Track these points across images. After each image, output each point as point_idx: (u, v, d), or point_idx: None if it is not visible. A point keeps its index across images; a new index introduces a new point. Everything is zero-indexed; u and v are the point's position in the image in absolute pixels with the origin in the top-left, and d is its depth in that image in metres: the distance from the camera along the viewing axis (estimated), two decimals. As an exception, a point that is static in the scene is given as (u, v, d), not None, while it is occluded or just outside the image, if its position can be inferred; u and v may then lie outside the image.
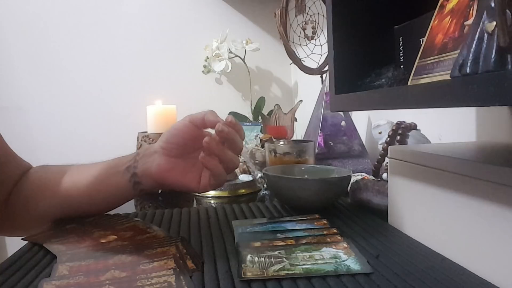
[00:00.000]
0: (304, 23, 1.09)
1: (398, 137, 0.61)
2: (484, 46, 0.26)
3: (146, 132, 0.93)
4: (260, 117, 1.28)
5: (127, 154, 0.53)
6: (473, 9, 0.32)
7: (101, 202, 0.52)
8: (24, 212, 0.54)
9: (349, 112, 0.92)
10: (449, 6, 0.37)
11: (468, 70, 0.27)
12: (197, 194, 0.74)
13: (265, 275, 0.34)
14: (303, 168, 0.67)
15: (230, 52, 1.45)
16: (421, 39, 0.44)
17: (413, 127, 0.63)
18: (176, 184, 0.48)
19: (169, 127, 0.49)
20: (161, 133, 0.49)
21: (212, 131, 0.47)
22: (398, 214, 0.47)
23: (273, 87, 1.64)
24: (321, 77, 1.04)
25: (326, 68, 1.02)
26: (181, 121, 0.48)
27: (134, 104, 1.45)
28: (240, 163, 0.83)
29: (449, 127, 0.68)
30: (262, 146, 0.91)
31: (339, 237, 0.43)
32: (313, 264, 0.36)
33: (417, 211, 0.43)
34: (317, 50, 1.10)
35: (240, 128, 0.47)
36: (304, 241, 0.42)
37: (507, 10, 0.23)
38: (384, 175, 0.63)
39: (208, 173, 0.47)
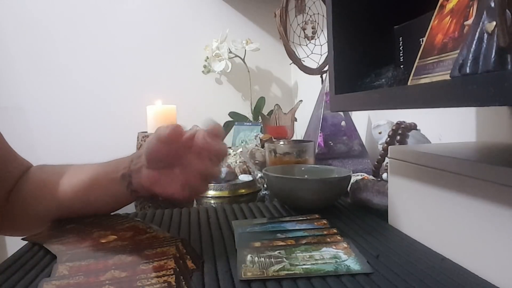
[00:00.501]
0: (304, 23, 1.09)
1: (398, 137, 0.62)
2: (484, 46, 0.26)
3: (146, 132, 0.93)
4: (260, 117, 1.28)
5: (125, 154, 0.53)
6: (473, 9, 0.32)
7: (98, 208, 0.53)
8: (24, 212, 0.54)
9: (349, 112, 0.92)
10: (449, 6, 0.37)
11: (468, 70, 0.27)
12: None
13: (265, 275, 0.34)
14: (303, 168, 0.67)
15: (230, 52, 1.45)
16: (421, 39, 0.44)
17: (413, 127, 0.63)
18: (162, 195, 0.48)
19: (146, 141, 0.48)
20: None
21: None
22: (398, 214, 0.47)
23: (273, 87, 1.64)
24: (321, 77, 1.04)
25: (326, 68, 1.02)
26: (151, 138, 0.46)
27: (134, 104, 1.45)
28: (240, 163, 0.83)
29: (449, 127, 0.68)
30: (262, 146, 0.91)
31: (339, 237, 0.43)
32: (313, 264, 0.36)
33: (417, 211, 0.43)
34: (317, 50, 1.10)
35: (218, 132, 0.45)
36: (304, 241, 0.42)
37: (507, 10, 0.23)
38: (384, 175, 0.63)
39: (194, 177, 0.46)
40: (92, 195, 0.51)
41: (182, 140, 0.45)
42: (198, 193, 0.48)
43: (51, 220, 0.53)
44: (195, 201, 0.72)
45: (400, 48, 0.51)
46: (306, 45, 1.12)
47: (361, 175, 0.72)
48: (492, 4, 0.25)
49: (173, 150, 0.46)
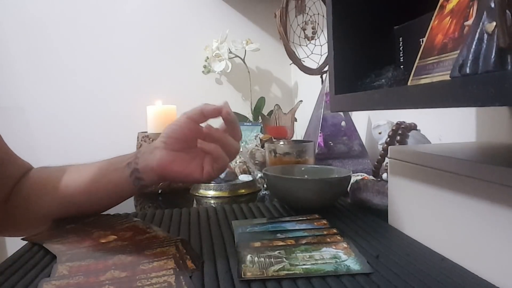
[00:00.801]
0: (304, 23, 1.09)
1: (398, 137, 0.62)
2: (484, 46, 0.26)
3: (146, 132, 0.93)
4: (260, 117, 1.28)
5: (127, 154, 0.53)
6: (473, 10, 0.32)
7: (100, 199, 0.53)
8: (24, 212, 0.54)
9: (349, 112, 0.92)
10: (449, 6, 0.37)
11: (468, 71, 0.27)
12: (196, 194, 0.74)
13: (265, 275, 0.34)
14: (303, 168, 0.67)
15: (230, 52, 1.45)
16: (421, 39, 0.44)
17: (413, 127, 0.63)
18: (179, 175, 0.49)
19: (169, 124, 0.50)
20: (161, 133, 0.50)
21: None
22: (398, 214, 0.47)
23: (273, 87, 1.64)
24: (321, 77, 1.04)
25: (326, 68, 1.02)
26: (181, 117, 0.50)
27: (134, 104, 1.45)
28: (240, 163, 0.83)
29: (449, 127, 0.68)
30: (262, 146, 0.91)
31: (339, 237, 0.43)
32: (313, 264, 0.36)
33: (417, 211, 0.43)
34: (317, 50, 1.10)
35: (236, 119, 0.51)
36: (304, 241, 0.42)
37: (507, 11, 0.23)
38: (384, 175, 0.63)
39: (209, 160, 0.49)
40: (95, 186, 0.51)
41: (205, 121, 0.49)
42: (211, 177, 0.50)
43: (53, 219, 0.53)
44: (195, 201, 0.72)
45: (400, 48, 0.51)
46: (306, 45, 1.12)
47: (361, 175, 0.72)
48: (492, 5, 0.25)
49: (199, 131, 0.49)
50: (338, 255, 0.38)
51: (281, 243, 0.41)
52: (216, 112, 0.48)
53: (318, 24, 1.08)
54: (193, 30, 1.54)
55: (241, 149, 0.89)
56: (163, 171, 0.49)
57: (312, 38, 1.09)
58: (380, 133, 0.67)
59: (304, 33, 1.09)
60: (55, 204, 0.52)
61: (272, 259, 0.37)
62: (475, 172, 0.34)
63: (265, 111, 1.37)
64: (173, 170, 0.48)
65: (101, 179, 0.51)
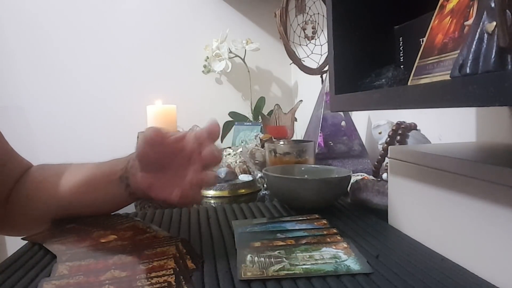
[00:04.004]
0: (304, 23, 1.09)
1: (398, 137, 0.62)
2: (484, 46, 0.26)
3: (146, 132, 0.93)
4: (260, 117, 1.28)
5: (125, 154, 0.52)
6: (473, 9, 0.32)
7: (98, 208, 0.53)
8: (24, 212, 0.54)
9: (349, 112, 0.92)
10: (449, 6, 0.37)
11: (468, 70, 0.27)
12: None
13: (265, 275, 0.34)
14: (303, 168, 0.67)
15: (230, 52, 1.45)
16: (421, 39, 0.44)
17: (413, 127, 0.63)
18: (157, 200, 0.47)
19: (137, 145, 0.47)
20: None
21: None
22: (398, 214, 0.47)
23: (273, 87, 1.64)
24: (321, 77, 1.04)
25: (326, 68, 1.02)
26: (140, 142, 0.45)
27: (134, 104, 1.45)
28: (240, 163, 0.83)
29: (449, 127, 0.68)
30: (262, 146, 0.91)
31: (339, 237, 0.43)
32: (313, 264, 0.36)
33: (417, 211, 0.43)
34: (317, 50, 1.10)
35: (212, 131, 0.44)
36: (304, 241, 0.42)
37: (507, 10, 0.23)
38: (384, 175, 0.63)
39: (190, 180, 0.44)
40: (90, 197, 0.51)
41: (169, 142, 0.44)
42: (192, 201, 0.46)
43: (51, 220, 0.53)
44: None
45: (400, 48, 0.51)
46: (306, 45, 1.12)
47: (361, 175, 0.72)
48: (492, 4, 0.25)
49: (161, 153, 0.44)
50: (338, 255, 0.38)
51: (281, 243, 0.41)
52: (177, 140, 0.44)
53: (318, 23, 1.08)
54: (193, 29, 1.54)
55: (240, 149, 0.89)
56: (147, 194, 0.47)
57: (312, 37, 1.09)
58: (380, 133, 0.67)
59: (304, 32, 1.09)
60: (52, 207, 0.52)
61: (272, 259, 0.37)
62: (475, 172, 0.34)
63: (265, 111, 1.37)
64: (151, 195, 0.47)
65: (96, 189, 0.51)
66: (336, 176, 0.60)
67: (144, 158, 0.45)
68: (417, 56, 0.40)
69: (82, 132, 1.47)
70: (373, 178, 0.67)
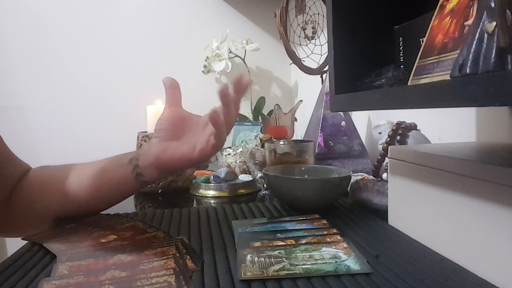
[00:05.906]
0: (304, 23, 1.09)
1: (398, 137, 0.62)
2: (484, 46, 0.26)
3: (146, 132, 0.93)
4: (260, 117, 1.28)
5: (131, 151, 0.54)
6: (473, 9, 0.32)
7: (103, 196, 0.53)
8: (25, 213, 0.54)
9: (349, 112, 0.92)
10: (449, 6, 0.37)
11: (468, 70, 0.27)
12: (196, 194, 0.74)
13: (265, 275, 0.34)
14: (303, 168, 0.67)
15: (230, 52, 1.45)
16: (421, 39, 0.44)
17: (413, 127, 0.63)
18: (172, 161, 0.48)
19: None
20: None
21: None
22: (398, 214, 0.47)
23: (273, 87, 1.64)
24: (321, 77, 1.04)
25: (326, 68, 1.02)
26: (164, 110, 0.52)
27: (134, 104, 1.45)
28: (240, 163, 0.83)
29: (449, 127, 0.68)
30: (262, 146, 0.91)
31: (339, 237, 0.43)
32: (313, 264, 0.36)
33: (417, 211, 0.43)
34: (317, 50, 1.10)
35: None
36: (304, 241, 0.42)
37: (507, 10, 0.23)
38: (384, 175, 0.63)
39: (205, 138, 0.46)
40: (98, 183, 0.52)
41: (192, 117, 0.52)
42: (206, 154, 0.46)
43: (53, 218, 0.53)
44: (195, 201, 0.72)
45: (400, 48, 0.51)
46: (306, 45, 1.12)
47: (361, 175, 0.72)
48: (492, 4, 0.25)
49: (181, 117, 0.51)
50: (338, 255, 0.38)
51: (281, 243, 0.41)
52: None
53: (318, 23, 1.08)
54: (193, 29, 1.54)
55: (241, 149, 0.89)
56: (158, 163, 0.48)
57: (312, 37, 1.09)
58: (380, 133, 0.67)
59: (304, 32, 1.09)
60: (56, 204, 0.52)
61: (272, 259, 0.37)
62: (475, 172, 0.34)
63: (265, 111, 1.37)
64: (166, 158, 0.48)
65: (104, 176, 0.52)
66: (336, 176, 0.60)
67: (166, 123, 0.50)
68: (417, 56, 0.40)
69: (82, 132, 1.47)
70: (373, 178, 0.66)
